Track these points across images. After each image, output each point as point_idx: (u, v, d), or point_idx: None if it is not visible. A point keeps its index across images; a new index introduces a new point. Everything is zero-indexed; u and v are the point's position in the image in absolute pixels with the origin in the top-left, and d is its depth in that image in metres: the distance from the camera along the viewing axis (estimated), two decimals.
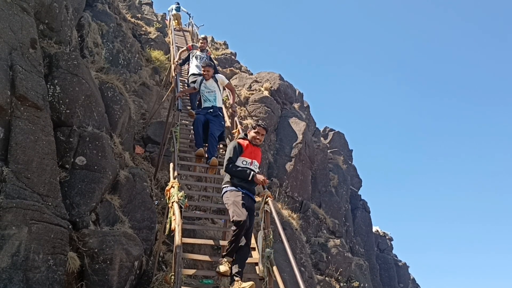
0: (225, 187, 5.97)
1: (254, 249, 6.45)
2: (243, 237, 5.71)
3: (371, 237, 20.97)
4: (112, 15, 13.69)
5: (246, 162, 5.96)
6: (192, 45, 12.67)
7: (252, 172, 5.85)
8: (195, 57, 11.34)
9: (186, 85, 11.35)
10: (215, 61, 13.53)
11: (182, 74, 12.43)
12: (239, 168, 5.87)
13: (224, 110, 10.36)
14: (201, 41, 11.88)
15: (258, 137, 6.12)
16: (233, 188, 5.86)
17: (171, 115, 10.70)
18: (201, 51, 11.53)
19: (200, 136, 8.49)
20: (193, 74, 11.01)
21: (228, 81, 9.41)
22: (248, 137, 6.15)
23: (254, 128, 6.16)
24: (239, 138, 6.21)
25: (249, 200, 5.86)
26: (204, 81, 8.88)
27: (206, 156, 8.35)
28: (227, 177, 6.00)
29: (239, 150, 5.97)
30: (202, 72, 9.03)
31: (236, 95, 10.17)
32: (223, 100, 9.47)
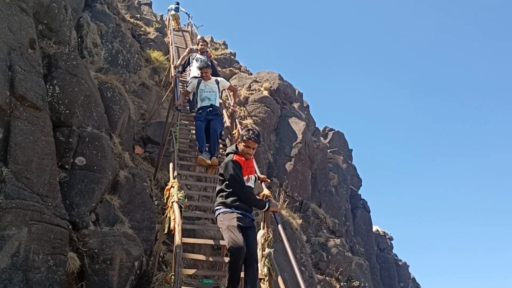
0: (218, 208, 5.32)
1: None
2: (250, 267, 5.18)
3: (371, 237, 20.97)
4: (111, 16, 13.69)
5: (243, 180, 5.33)
6: (191, 48, 12.44)
7: (267, 203, 5.34)
8: (196, 60, 11.05)
9: (185, 86, 11.21)
10: (215, 62, 13.37)
11: (182, 79, 12.12)
12: (254, 197, 5.32)
13: (224, 111, 10.34)
14: (200, 43, 11.52)
15: (248, 151, 5.31)
16: (227, 209, 5.23)
17: (171, 115, 10.69)
18: (201, 53, 11.24)
19: (203, 141, 8.22)
20: (194, 77, 10.56)
21: (229, 84, 9.32)
22: (239, 149, 5.37)
23: (244, 141, 5.31)
24: (232, 153, 5.38)
25: (246, 220, 5.30)
26: (203, 81, 8.78)
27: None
28: (220, 197, 5.31)
29: (241, 170, 5.25)
30: (201, 73, 8.91)
31: (237, 97, 10.10)
32: (222, 100, 9.43)
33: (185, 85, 11.33)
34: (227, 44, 24.73)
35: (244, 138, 5.30)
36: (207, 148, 8.25)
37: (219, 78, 9.12)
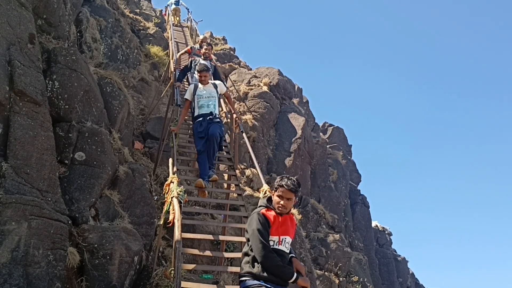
0: (243, 280, 4.13)
1: None
2: None
3: (370, 232, 21.05)
4: (110, 10, 13.64)
5: (273, 242, 4.11)
6: (191, 47, 11.46)
7: (295, 275, 4.12)
8: (198, 66, 9.78)
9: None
10: (217, 63, 12.66)
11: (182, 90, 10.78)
12: (279, 263, 4.05)
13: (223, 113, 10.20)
14: (205, 47, 10.43)
15: (282, 202, 4.14)
16: (254, 283, 4.04)
17: (170, 110, 10.68)
18: (205, 58, 10.14)
19: (205, 168, 7.65)
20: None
21: (226, 89, 8.63)
22: (273, 202, 4.23)
23: (276, 190, 4.19)
24: (263, 206, 4.26)
25: None
26: (200, 86, 8.11)
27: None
28: (246, 264, 4.12)
29: (268, 227, 4.11)
30: (198, 76, 8.20)
31: (233, 103, 9.09)
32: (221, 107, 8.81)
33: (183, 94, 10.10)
34: (226, 39, 24.70)
35: (276, 185, 4.21)
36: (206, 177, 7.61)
37: (217, 82, 8.48)
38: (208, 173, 7.66)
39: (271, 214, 4.14)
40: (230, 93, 10.79)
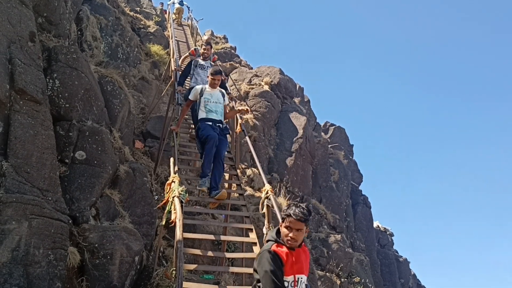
0: None
1: (255, 244, 6.43)
2: None
3: (372, 233, 20.99)
4: (110, 9, 13.61)
5: (288, 283, 3.57)
6: (195, 49, 11.07)
7: None
8: (199, 67, 9.47)
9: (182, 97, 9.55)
10: (217, 60, 12.46)
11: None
12: None
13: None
14: (204, 47, 9.79)
15: (291, 235, 3.58)
16: None
17: (171, 109, 10.63)
18: (204, 59, 9.66)
19: (210, 163, 7.29)
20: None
21: (228, 101, 8.29)
22: (281, 234, 3.66)
23: (283, 220, 3.66)
24: (272, 240, 3.68)
25: None
26: (208, 88, 7.73)
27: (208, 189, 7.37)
28: None
29: (281, 266, 3.54)
30: (211, 78, 7.72)
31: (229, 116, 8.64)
32: None
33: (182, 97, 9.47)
34: (227, 38, 24.66)
35: (283, 215, 3.66)
36: (209, 174, 7.35)
37: (223, 91, 8.08)
38: (209, 171, 7.41)
39: (283, 251, 3.58)
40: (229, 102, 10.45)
